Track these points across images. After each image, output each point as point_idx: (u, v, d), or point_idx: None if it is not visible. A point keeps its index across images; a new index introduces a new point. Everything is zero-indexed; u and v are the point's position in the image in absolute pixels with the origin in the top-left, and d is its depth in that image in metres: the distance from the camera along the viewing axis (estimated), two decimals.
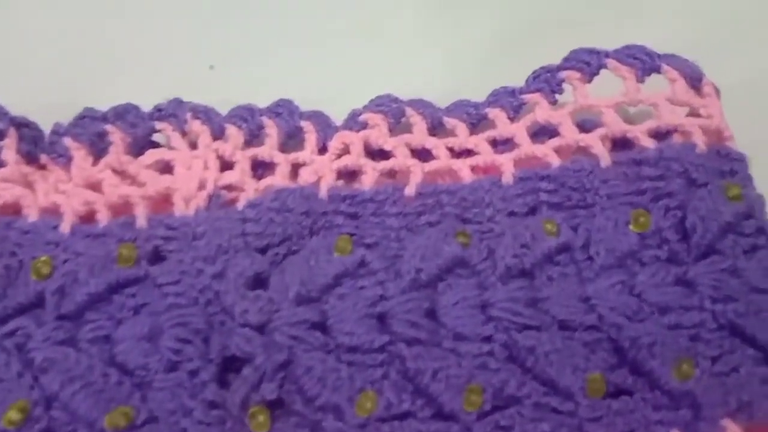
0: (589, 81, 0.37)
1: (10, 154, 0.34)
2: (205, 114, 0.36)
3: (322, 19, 0.43)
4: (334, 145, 0.36)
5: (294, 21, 0.43)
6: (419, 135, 0.37)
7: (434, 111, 0.38)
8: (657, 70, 0.37)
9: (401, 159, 0.36)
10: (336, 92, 0.40)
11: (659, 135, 0.36)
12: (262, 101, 0.38)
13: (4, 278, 0.31)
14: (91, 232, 0.33)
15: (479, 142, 0.37)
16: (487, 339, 0.32)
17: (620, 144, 0.37)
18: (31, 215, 0.33)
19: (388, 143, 0.36)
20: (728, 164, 0.35)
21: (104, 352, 0.30)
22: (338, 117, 0.38)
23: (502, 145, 0.37)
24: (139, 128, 0.35)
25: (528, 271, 0.33)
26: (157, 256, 0.33)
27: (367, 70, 0.42)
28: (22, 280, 0.31)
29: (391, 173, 0.37)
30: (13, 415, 0.28)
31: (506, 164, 0.36)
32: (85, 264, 0.31)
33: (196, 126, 0.35)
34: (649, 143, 0.36)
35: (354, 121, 0.37)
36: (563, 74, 0.38)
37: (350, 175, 0.37)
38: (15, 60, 0.41)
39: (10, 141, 0.34)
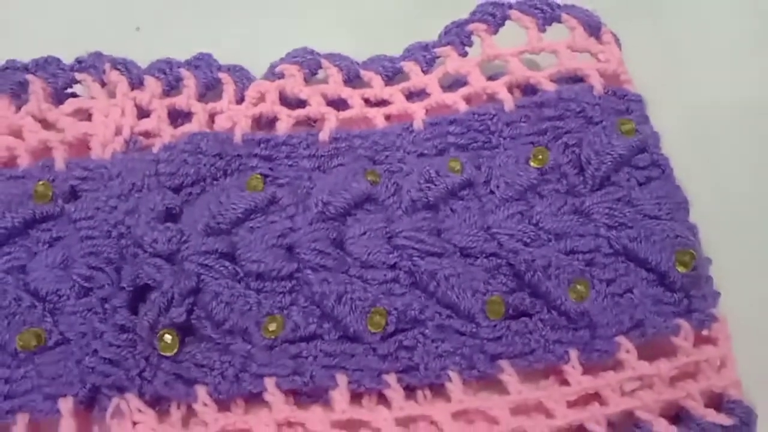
0: (495, 32, 0.40)
1: None
2: (123, 65, 0.37)
3: None
4: (249, 94, 0.38)
5: None
6: (335, 85, 0.39)
7: (350, 64, 0.40)
8: (558, 19, 0.39)
9: (316, 107, 0.38)
10: (257, 54, 0.42)
11: (563, 80, 0.38)
12: None
13: None
14: (12, 174, 0.34)
15: (394, 92, 0.39)
16: (392, 266, 0.33)
17: (525, 91, 0.39)
18: None
19: (304, 92, 0.38)
20: (624, 104, 0.37)
21: (19, 281, 0.31)
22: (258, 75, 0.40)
23: (416, 96, 0.39)
24: (60, 79, 0.37)
25: (432, 204, 0.35)
26: (73, 196, 0.34)
27: (285, 37, 0.44)
28: None
29: (307, 122, 0.38)
30: None
31: (418, 112, 0.38)
32: (2, 201, 0.32)
33: (114, 76, 0.37)
34: (551, 87, 0.38)
35: (271, 73, 0.39)
36: (471, 27, 0.40)
37: (268, 125, 0.38)
38: None
39: None
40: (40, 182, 0.33)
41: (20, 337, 0.30)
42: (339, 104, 0.39)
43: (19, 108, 0.36)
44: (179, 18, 0.44)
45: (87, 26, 0.42)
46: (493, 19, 0.39)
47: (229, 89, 0.38)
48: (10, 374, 0.30)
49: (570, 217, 0.35)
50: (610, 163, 0.35)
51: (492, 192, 0.35)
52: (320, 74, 0.40)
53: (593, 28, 0.39)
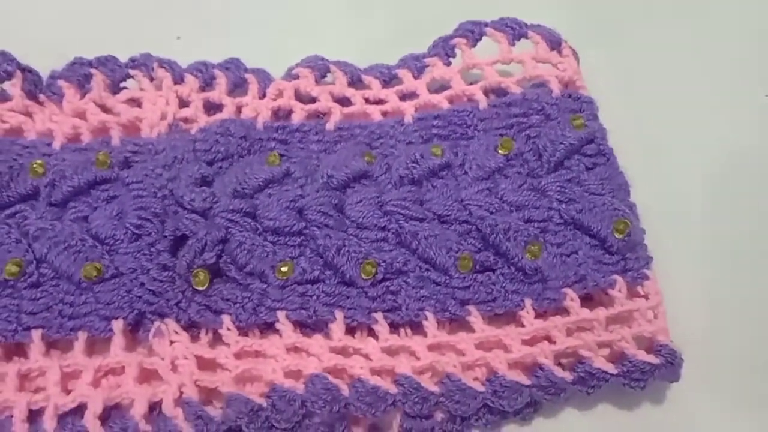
0: (473, 46, 0.48)
1: (16, 90, 0.43)
2: (168, 64, 0.46)
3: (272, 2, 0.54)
4: (270, 91, 0.46)
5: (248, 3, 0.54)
6: (340, 86, 0.47)
7: (354, 69, 0.48)
8: (525, 35, 0.47)
9: (324, 102, 0.46)
10: (277, 63, 0.50)
11: (532, 86, 0.46)
12: None
13: (7, 175, 0.40)
14: (76, 147, 0.42)
15: (389, 93, 0.47)
16: (382, 228, 0.41)
17: (499, 94, 0.47)
18: (30, 136, 0.43)
19: (314, 90, 0.46)
20: (578, 104, 0.45)
21: (83, 228, 0.39)
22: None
23: (408, 97, 0.47)
24: (117, 73, 0.45)
25: (416, 180, 0.42)
26: (126, 165, 0.42)
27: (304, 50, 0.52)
28: (22, 178, 0.40)
29: (317, 115, 0.46)
30: (11, 267, 0.37)
31: (408, 109, 0.46)
32: (70, 165, 0.40)
33: (160, 73, 0.45)
34: (517, 90, 0.46)
35: (288, 74, 0.47)
36: (454, 41, 0.48)
37: (284, 117, 0.46)
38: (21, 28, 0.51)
39: (16, 80, 0.44)
40: (101, 152, 0.41)
41: (84, 268, 0.37)
42: (343, 101, 0.47)
43: (83, 95, 0.44)
44: (214, 29, 0.52)
45: (136, 34, 0.50)
46: (472, 34, 0.47)
47: (253, 87, 0.46)
48: (74, 299, 0.37)
49: (529, 193, 0.42)
50: (562, 150, 0.43)
51: (466, 173, 0.43)
52: (328, 77, 0.48)
53: (554, 43, 0.47)
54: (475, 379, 0.38)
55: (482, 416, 0.38)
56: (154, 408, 0.36)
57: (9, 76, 0.44)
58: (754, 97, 0.52)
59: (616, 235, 0.41)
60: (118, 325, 0.37)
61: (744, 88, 0.52)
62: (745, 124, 0.50)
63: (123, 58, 0.46)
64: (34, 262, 0.38)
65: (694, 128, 0.50)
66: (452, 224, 0.41)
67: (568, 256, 0.41)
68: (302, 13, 0.55)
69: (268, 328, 0.39)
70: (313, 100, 0.46)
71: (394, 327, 0.39)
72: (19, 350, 0.38)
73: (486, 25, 0.47)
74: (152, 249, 0.38)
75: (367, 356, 0.38)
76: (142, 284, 0.38)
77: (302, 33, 0.54)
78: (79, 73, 0.44)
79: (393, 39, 0.53)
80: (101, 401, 0.35)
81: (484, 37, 0.48)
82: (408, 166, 0.42)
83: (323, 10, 0.55)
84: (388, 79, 0.48)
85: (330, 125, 0.45)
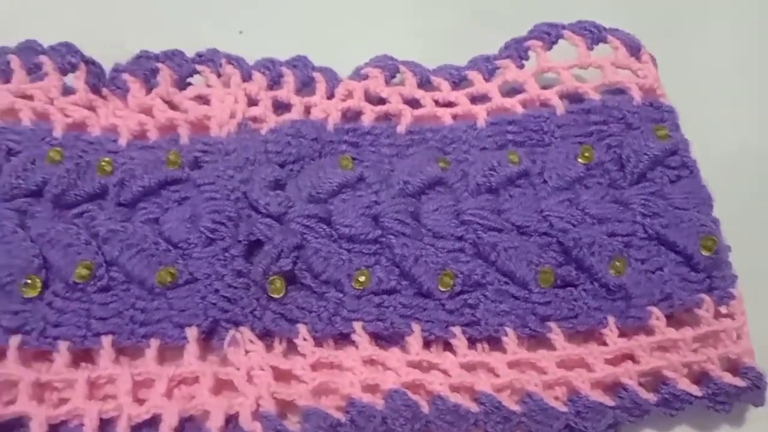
0: (549, 48, 0.46)
1: (80, 84, 0.42)
2: (236, 61, 0.44)
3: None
4: (339, 91, 0.44)
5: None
6: (410, 87, 0.45)
7: (423, 70, 0.46)
8: (604, 40, 0.46)
9: (395, 104, 0.44)
10: (342, 60, 0.49)
11: (606, 91, 0.45)
12: None
13: (74, 173, 0.38)
14: (144, 145, 0.41)
15: (459, 96, 0.45)
16: (459, 238, 0.40)
17: (574, 100, 0.45)
18: (95, 132, 0.41)
19: (384, 91, 0.45)
20: (659, 114, 0.43)
21: (154, 230, 0.38)
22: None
23: (478, 100, 0.46)
24: (183, 68, 0.43)
25: (494, 188, 0.41)
26: (196, 165, 0.40)
27: (364, 46, 0.50)
28: (89, 176, 0.39)
29: (387, 116, 0.45)
30: (82, 270, 0.36)
31: (480, 112, 0.44)
32: (140, 164, 0.39)
33: (229, 69, 0.44)
34: (596, 97, 0.44)
35: (357, 74, 0.45)
36: (528, 43, 0.46)
37: (353, 118, 0.45)
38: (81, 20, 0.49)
39: (80, 73, 0.42)
40: (171, 151, 0.39)
41: (158, 273, 0.36)
42: (413, 103, 0.45)
43: (149, 90, 0.43)
44: (277, 24, 0.50)
45: (198, 29, 0.49)
46: (548, 37, 0.46)
47: (321, 86, 0.45)
48: (146, 305, 0.36)
49: (611, 206, 0.41)
50: (646, 162, 0.41)
51: (545, 182, 0.41)
52: (397, 78, 0.46)
53: (634, 48, 0.45)
54: (556, 398, 0.37)
55: None
56: (229, 421, 0.34)
57: (73, 68, 0.42)
58: None
59: (704, 252, 0.39)
60: (192, 332, 0.36)
61: None
62: None
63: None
64: (104, 265, 0.36)
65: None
66: (532, 236, 0.40)
67: (653, 272, 0.39)
68: (364, 6, 0.53)
69: (343, 338, 0.37)
70: (383, 101, 0.45)
71: (471, 342, 0.38)
72: (86, 356, 0.36)
73: (563, 27, 0.46)
74: (226, 254, 0.37)
75: (445, 372, 0.37)
76: (217, 291, 0.36)
77: (364, 28, 0.52)
78: (145, 67, 0.43)
79: (455, 36, 0.52)
80: (176, 413, 0.34)
81: (560, 40, 0.46)
82: (485, 173, 0.41)
83: (385, 4, 0.53)
84: (458, 80, 0.46)
85: (401, 128, 0.43)
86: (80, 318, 0.36)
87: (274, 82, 0.45)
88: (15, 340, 0.35)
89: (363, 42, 0.50)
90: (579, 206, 0.41)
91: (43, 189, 0.38)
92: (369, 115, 0.44)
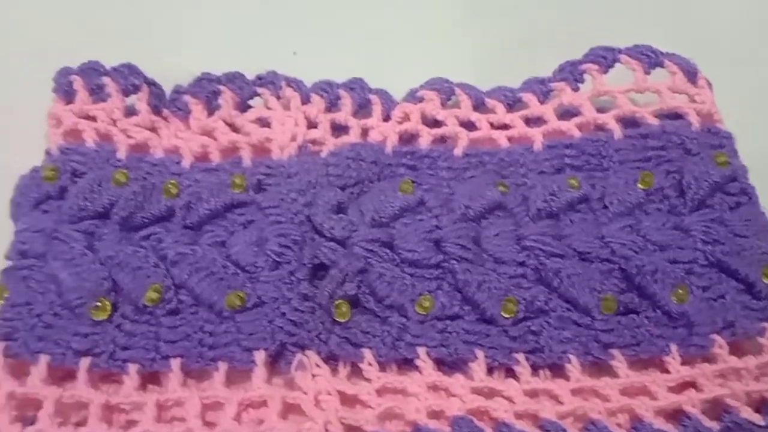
0: (605, 72, 0.46)
1: (142, 105, 0.42)
2: (295, 83, 0.44)
3: (384, 19, 0.53)
4: (396, 113, 0.45)
5: (362, 20, 0.52)
6: (466, 110, 0.45)
7: (478, 92, 0.46)
8: (661, 64, 0.46)
9: (451, 127, 0.44)
10: (391, 79, 0.49)
11: (663, 116, 0.45)
12: None
13: (140, 195, 0.39)
14: (207, 167, 0.41)
15: (514, 118, 0.46)
16: (521, 264, 0.40)
17: (629, 124, 0.45)
18: (157, 153, 0.42)
19: (441, 114, 0.45)
20: (717, 139, 0.43)
21: (222, 253, 0.38)
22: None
23: (533, 122, 0.46)
24: (245, 90, 0.44)
25: (554, 214, 0.41)
26: (259, 188, 0.41)
27: (414, 67, 0.51)
28: (155, 198, 0.39)
29: (443, 139, 0.45)
30: (152, 294, 0.36)
31: (537, 135, 0.44)
32: (206, 187, 0.39)
33: (289, 92, 0.44)
34: (654, 121, 0.44)
35: (413, 96, 0.46)
36: (584, 66, 0.46)
37: (409, 140, 0.45)
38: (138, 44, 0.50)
39: (142, 94, 0.42)
40: (237, 174, 0.40)
41: (227, 297, 0.36)
42: (468, 125, 0.45)
43: (210, 112, 0.43)
44: (330, 45, 0.51)
45: (253, 50, 0.49)
46: (605, 60, 0.46)
47: (377, 108, 0.45)
48: (214, 329, 0.36)
49: (672, 232, 0.41)
50: (707, 188, 0.41)
51: (605, 207, 0.41)
52: (452, 100, 0.46)
53: (690, 73, 0.45)
54: (618, 425, 0.37)
55: None
56: None
57: (135, 89, 0.43)
58: None
59: (765, 281, 0.39)
60: (260, 356, 0.36)
61: None
62: None
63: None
64: (173, 288, 0.37)
65: None
66: (593, 262, 0.40)
67: (715, 300, 0.39)
68: (414, 28, 0.53)
69: (406, 363, 0.38)
70: (438, 123, 0.45)
71: (533, 369, 0.38)
72: (154, 379, 0.37)
73: (620, 51, 0.46)
74: (293, 277, 0.37)
75: (509, 399, 0.37)
76: (284, 314, 0.36)
77: (411, 49, 0.53)
78: (207, 89, 0.43)
79: (503, 59, 0.52)
80: None
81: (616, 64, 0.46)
82: (546, 198, 0.41)
83: (434, 24, 0.54)
84: (512, 102, 0.46)
85: (458, 151, 0.44)
86: (149, 341, 0.36)
87: (332, 105, 0.45)
88: (85, 363, 0.36)
89: (411, 64, 0.50)
90: (640, 232, 0.41)
91: (110, 211, 0.39)
92: (426, 137, 0.44)
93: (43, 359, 0.36)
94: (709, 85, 0.46)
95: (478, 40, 0.53)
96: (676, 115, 0.45)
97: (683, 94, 0.45)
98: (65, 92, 0.43)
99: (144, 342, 0.36)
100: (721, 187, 0.42)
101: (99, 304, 0.36)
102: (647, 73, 0.45)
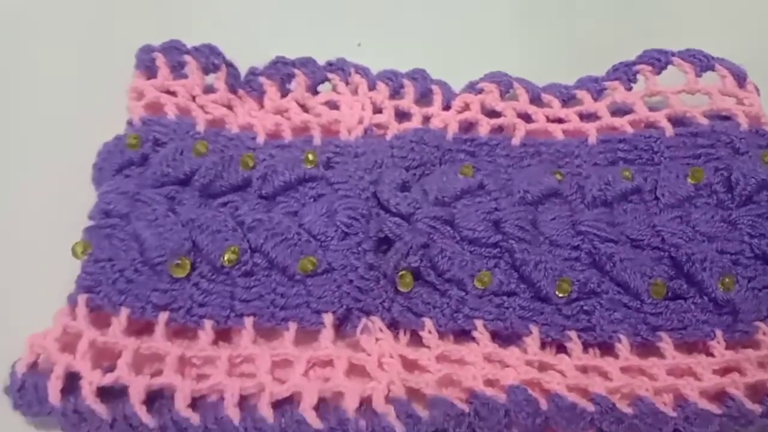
0: (658, 73, 0.48)
1: (220, 84, 0.45)
2: (363, 70, 0.47)
3: (441, 17, 0.55)
4: (457, 103, 0.47)
5: (424, 17, 0.55)
6: (523, 102, 0.48)
7: (534, 87, 0.48)
8: (711, 68, 0.48)
9: (509, 118, 0.47)
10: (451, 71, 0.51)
11: (711, 117, 0.47)
12: None
13: (219, 165, 0.41)
14: (280, 144, 0.44)
15: (569, 113, 0.48)
16: (576, 248, 0.42)
17: (680, 123, 0.47)
18: (233, 129, 0.44)
19: (499, 105, 0.47)
20: (764, 140, 0.45)
21: (294, 222, 0.40)
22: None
23: (586, 118, 0.48)
24: (316, 75, 0.46)
25: (609, 202, 0.43)
26: (328, 166, 0.43)
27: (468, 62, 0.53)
28: (234, 169, 0.42)
29: (501, 129, 0.47)
30: (230, 255, 0.38)
31: (591, 130, 0.47)
32: (280, 161, 0.42)
33: (357, 78, 0.46)
34: (704, 121, 0.46)
35: (472, 88, 0.48)
36: (638, 67, 0.48)
37: (468, 129, 0.47)
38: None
39: (221, 74, 0.45)
40: (309, 151, 0.42)
41: (301, 262, 0.38)
42: (525, 118, 0.47)
43: (283, 94, 0.46)
44: (392, 37, 0.53)
45: (320, 41, 0.52)
46: (658, 62, 0.48)
47: (438, 98, 0.47)
48: (285, 291, 0.39)
49: (720, 225, 0.42)
50: (754, 185, 0.43)
51: (657, 198, 0.43)
52: (510, 93, 0.49)
53: (740, 78, 0.47)
54: (664, 403, 0.39)
55: None
56: (362, 403, 0.37)
57: (215, 68, 0.45)
58: None
59: None
60: (328, 318, 0.38)
61: None
62: None
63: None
64: (249, 251, 0.39)
65: None
66: (645, 249, 0.42)
67: (760, 290, 0.41)
68: (472, 25, 0.56)
69: (463, 335, 0.39)
70: (497, 114, 0.47)
71: (584, 346, 0.40)
72: (225, 337, 0.39)
73: (673, 54, 0.48)
74: (360, 248, 0.39)
75: (562, 372, 0.39)
76: (351, 281, 0.39)
77: (469, 46, 0.55)
78: (282, 72, 0.46)
79: (554, 60, 0.54)
80: (316, 392, 0.36)
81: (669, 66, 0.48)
82: (601, 187, 0.43)
83: (491, 23, 0.56)
84: (567, 98, 0.49)
85: (515, 140, 0.46)
86: (225, 299, 0.38)
87: (396, 92, 0.47)
88: (163, 317, 0.38)
89: (465, 60, 0.53)
90: (690, 223, 0.42)
91: (190, 178, 0.41)
92: (485, 127, 0.46)
93: (124, 312, 0.38)
94: (757, 90, 0.48)
95: (529, 40, 0.55)
96: (725, 117, 0.47)
97: (732, 97, 0.47)
98: (147, 68, 0.45)
99: (220, 300, 0.38)
100: (767, 185, 0.43)
101: (179, 262, 0.38)
102: (698, 76, 0.47)
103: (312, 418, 0.35)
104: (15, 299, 0.41)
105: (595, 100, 0.48)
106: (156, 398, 0.37)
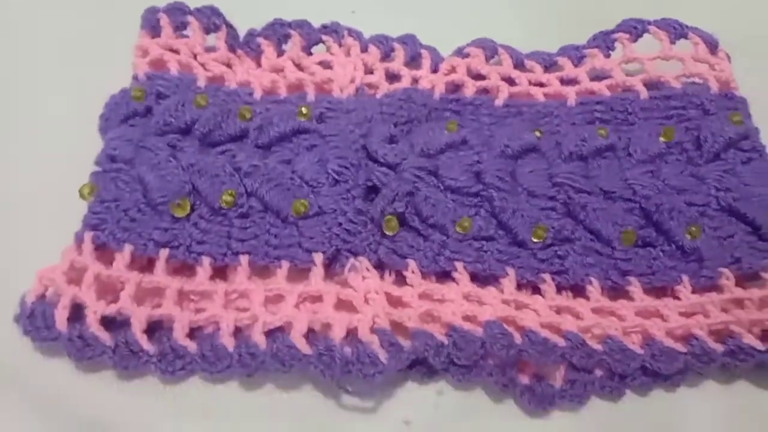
0: (635, 41, 0.51)
1: (220, 43, 0.48)
2: (355, 33, 0.50)
3: None
4: (444, 66, 0.50)
5: None
6: (507, 67, 0.50)
7: (518, 53, 0.51)
8: (685, 36, 0.50)
9: (493, 80, 0.49)
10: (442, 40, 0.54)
11: (684, 82, 0.49)
12: None
13: (218, 116, 0.44)
14: (275, 99, 0.46)
15: (550, 78, 0.51)
16: (552, 198, 0.44)
17: (654, 87, 0.50)
18: (232, 85, 0.47)
19: (484, 69, 0.50)
20: (733, 103, 0.48)
21: (288, 169, 0.43)
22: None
23: (567, 83, 0.51)
24: (311, 36, 0.49)
25: (584, 157, 0.46)
26: (321, 120, 0.46)
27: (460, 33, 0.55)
28: (232, 120, 0.44)
29: (485, 91, 0.50)
30: (227, 197, 0.41)
31: (570, 93, 0.49)
32: (276, 114, 0.44)
33: (350, 41, 0.49)
34: (677, 85, 0.49)
35: (459, 52, 0.51)
36: (616, 35, 0.51)
37: (455, 90, 0.50)
38: None
39: (221, 34, 0.48)
40: (303, 105, 0.45)
41: (294, 204, 0.41)
42: (509, 81, 0.50)
43: (280, 54, 0.48)
44: (384, 7, 0.56)
45: (316, 7, 0.54)
46: (635, 30, 0.51)
47: (426, 62, 0.50)
48: (278, 231, 0.41)
49: (689, 179, 0.45)
50: (722, 143, 0.46)
51: (630, 155, 0.46)
52: (495, 59, 0.51)
53: (712, 45, 0.50)
54: (633, 342, 0.41)
55: (637, 377, 0.41)
56: (349, 334, 0.39)
57: (216, 29, 0.48)
58: None
59: None
60: (318, 257, 0.41)
61: None
62: None
63: None
64: (245, 194, 0.42)
65: None
66: (617, 200, 0.44)
67: (725, 239, 0.44)
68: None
69: (444, 276, 0.42)
70: (482, 77, 0.50)
71: (558, 289, 0.42)
72: (221, 275, 0.41)
73: (649, 23, 0.51)
74: (349, 194, 0.42)
75: (536, 311, 0.41)
76: (340, 224, 0.41)
77: (458, 17, 0.58)
78: (279, 33, 0.48)
79: (542, 30, 0.57)
80: (306, 322, 0.39)
81: (645, 35, 0.51)
82: (577, 143, 0.46)
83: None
84: (549, 64, 0.51)
85: (499, 101, 0.49)
86: (222, 238, 0.41)
87: (387, 55, 0.50)
88: (164, 253, 0.41)
89: (457, 30, 0.55)
90: (660, 177, 0.45)
91: (191, 128, 0.44)
92: (470, 88, 0.49)
93: (127, 248, 0.40)
94: (728, 57, 0.50)
95: (519, 11, 0.58)
96: (698, 82, 0.49)
97: (704, 63, 0.50)
98: (152, 27, 0.48)
99: (217, 239, 0.41)
100: (734, 143, 0.46)
101: (180, 203, 0.41)
102: (673, 43, 0.50)
103: (302, 344, 0.38)
104: (25, 239, 0.44)
105: (576, 66, 0.51)
106: (156, 330, 0.40)
